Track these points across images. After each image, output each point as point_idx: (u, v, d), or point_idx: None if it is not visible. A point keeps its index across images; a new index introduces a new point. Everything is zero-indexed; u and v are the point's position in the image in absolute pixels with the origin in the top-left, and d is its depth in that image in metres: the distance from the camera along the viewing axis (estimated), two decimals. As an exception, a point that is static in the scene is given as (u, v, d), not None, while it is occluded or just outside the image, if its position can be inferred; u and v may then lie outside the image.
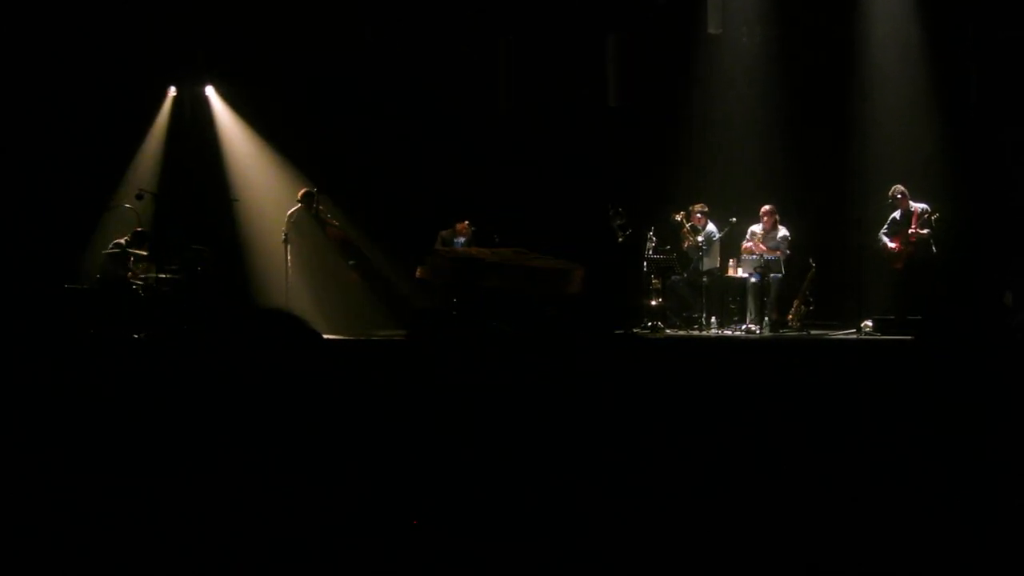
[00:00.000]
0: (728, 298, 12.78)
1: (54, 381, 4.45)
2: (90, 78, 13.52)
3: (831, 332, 12.17)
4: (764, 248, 12.42)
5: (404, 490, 3.18)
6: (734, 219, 12.63)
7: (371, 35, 14.08)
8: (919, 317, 10.91)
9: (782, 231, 12.54)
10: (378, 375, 3.84)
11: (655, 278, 12.68)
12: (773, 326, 12.20)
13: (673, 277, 12.78)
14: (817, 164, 13.32)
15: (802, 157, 13.28)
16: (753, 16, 13.77)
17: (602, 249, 12.84)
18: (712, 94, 14.01)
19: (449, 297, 12.29)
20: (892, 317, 11.56)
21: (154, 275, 12.07)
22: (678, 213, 12.93)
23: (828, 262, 12.53)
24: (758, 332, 12.08)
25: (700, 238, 12.71)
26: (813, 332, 12.13)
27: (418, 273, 12.32)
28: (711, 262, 12.72)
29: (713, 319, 12.50)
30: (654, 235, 12.72)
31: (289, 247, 12.79)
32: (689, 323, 12.63)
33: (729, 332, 12.26)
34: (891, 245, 12.08)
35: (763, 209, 12.58)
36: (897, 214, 12.06)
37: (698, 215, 12.85)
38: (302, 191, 13.12)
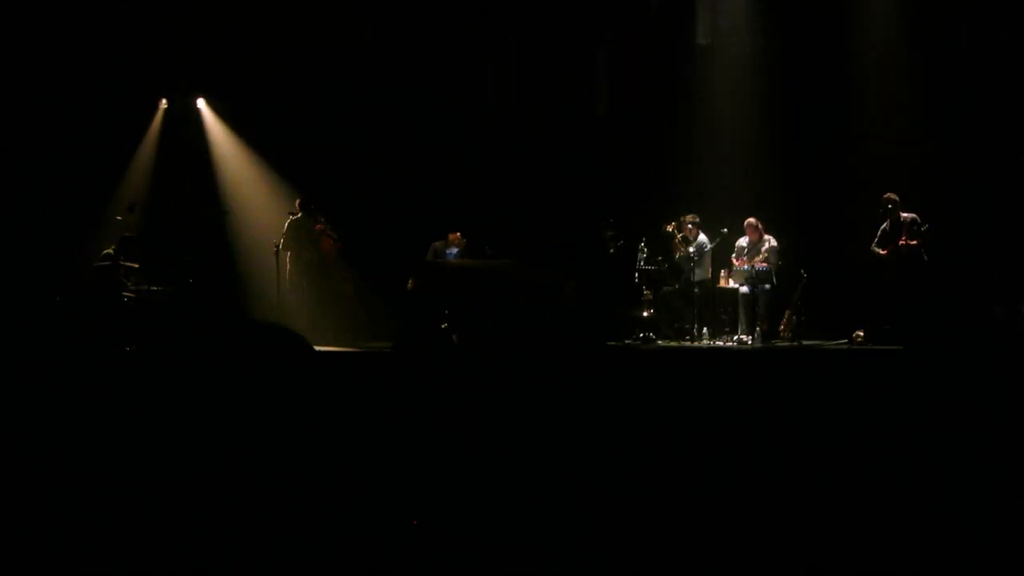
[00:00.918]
0: (720, 309, 12.79)
1: (46, 389, 4.44)
2: (82, 91, 13.53)
3: (823, 342, 12.16)
4: (751, 262, 12.45)
5: (404, 490, 3.18)
6: (725, 230, 12.64)
7: (370, 35, 14.17)
8: (911, 326, 10.95)
9: (770, 241, 12.56)
10: (371, 382, 3.84)
11: (647, 289, 12.71)
12: (764, 337, 12.20)
13: (665, 288, 12.80)
14: (808, 174, 13.33)
15: (793, 167, 13.30)
16: (743, 27, 13.83)
17: (594, 260, 12.85)
18: (702, 104, 14.07)
19: (441, 308, 12.26)
20: (886, 327, 11.54)
21: (145, 287, 12.05)
22: (669, 224, 12.95)
23: (820, 272, 12.53)
24: (749, 343, 12.08)
25: (691, 249, 12.71)
26: (805, 342, 12.12)
27: (410, 284, 12.31)
28: (702, 273, 12.72)
29: (705, 330, 12.48)
30: (645, 246, 12.74)
31: (288, 255, 12.78)
32: (681, 334, 12.61)
33: (721, 343, 12.26)
34: (883, 252, 12.04)
35: (747, 222, 12.61)
36: (887, 224, 12.04)
37: (689, 226, 12.86)
38: (299, 200, 13.13)
